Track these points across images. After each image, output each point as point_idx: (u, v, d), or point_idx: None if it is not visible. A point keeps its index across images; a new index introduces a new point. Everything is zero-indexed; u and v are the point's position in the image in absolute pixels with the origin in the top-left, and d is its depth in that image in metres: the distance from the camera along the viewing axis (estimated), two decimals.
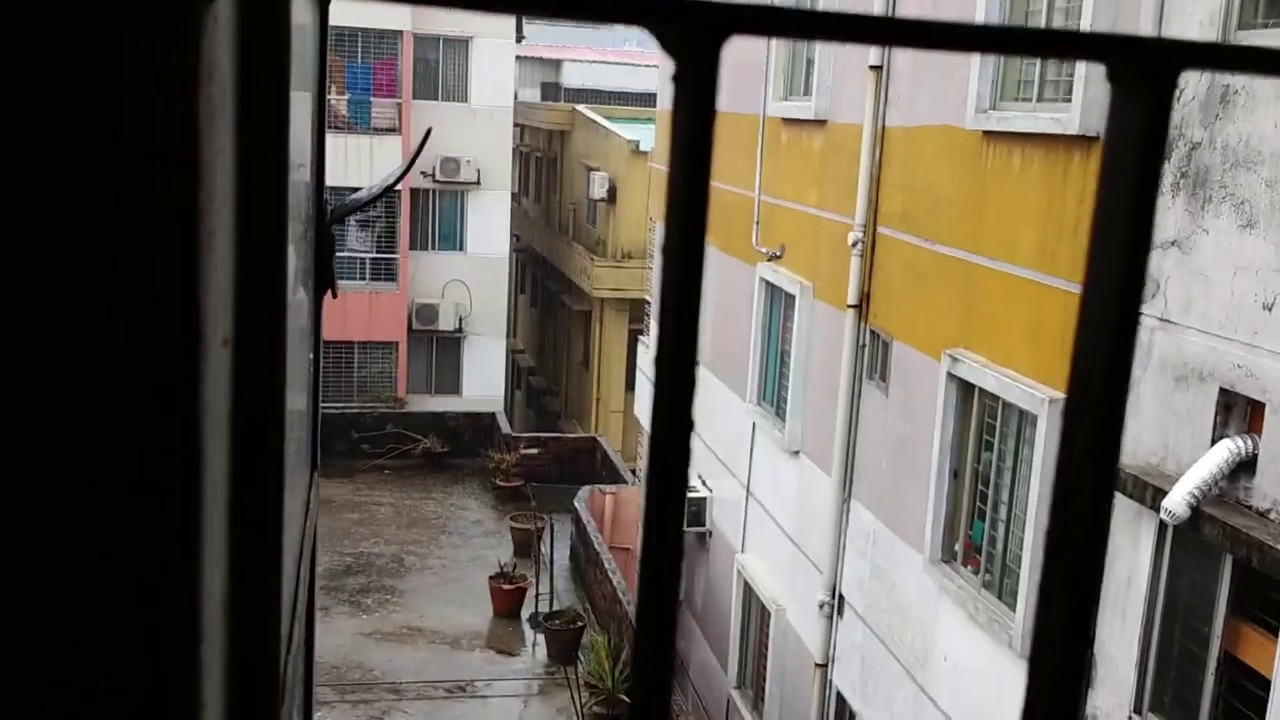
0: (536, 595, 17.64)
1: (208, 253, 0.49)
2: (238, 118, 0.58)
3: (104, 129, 0.43)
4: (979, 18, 8.60)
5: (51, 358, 0.45)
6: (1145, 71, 0.53)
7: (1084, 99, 7.37)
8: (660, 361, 0.53)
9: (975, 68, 8.64)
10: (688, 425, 0.51)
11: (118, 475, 0.46)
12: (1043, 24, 8.12)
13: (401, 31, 25.63)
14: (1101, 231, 0.56)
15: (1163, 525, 6.51)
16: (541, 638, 16.88)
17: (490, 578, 17.97)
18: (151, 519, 0.46)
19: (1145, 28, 6.84)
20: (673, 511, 0.48)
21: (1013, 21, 8.47)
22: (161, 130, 0.42)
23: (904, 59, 10.00)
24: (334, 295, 1.80)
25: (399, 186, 25.49)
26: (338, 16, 27.21)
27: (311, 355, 1.68)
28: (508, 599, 17.73)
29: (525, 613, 17.76)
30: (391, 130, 25.65)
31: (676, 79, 0.50)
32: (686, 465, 0.50)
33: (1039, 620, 0.52)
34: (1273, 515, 5.89)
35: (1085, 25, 7.39)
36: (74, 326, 0.45)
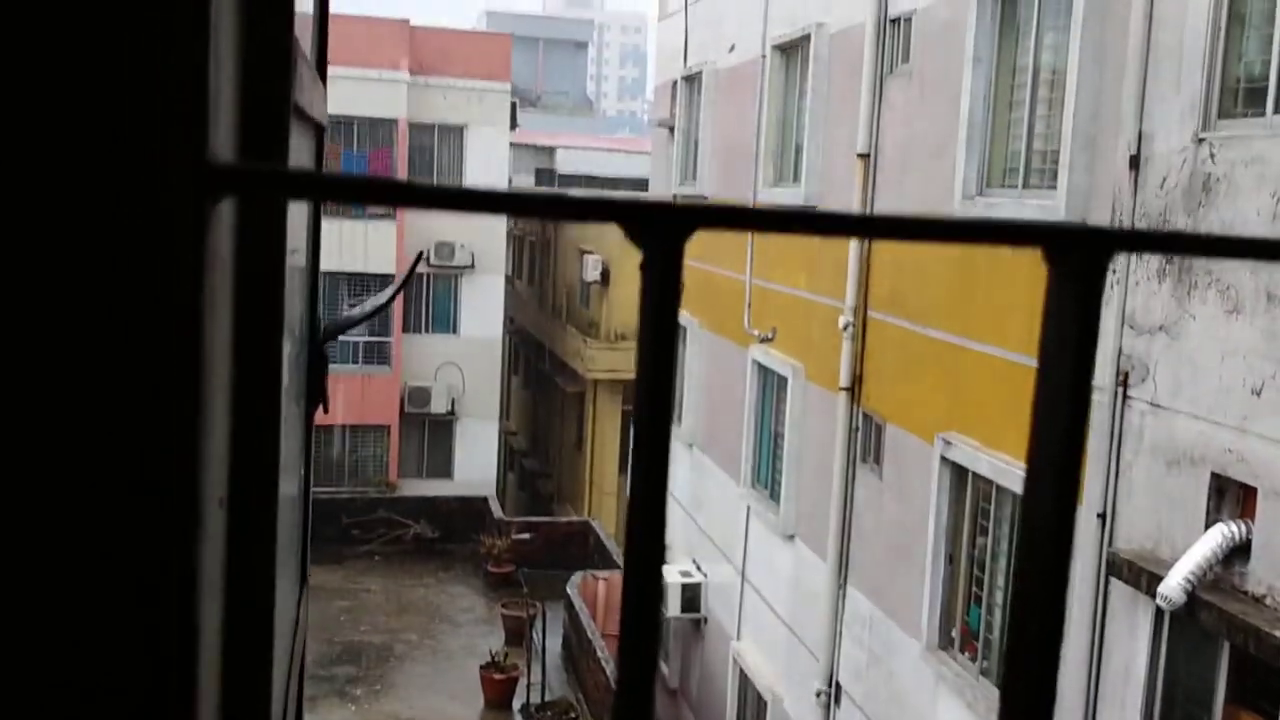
0: (528, 685, 17.38)
1: (204, 425, 0.52)
2: (235, 299, 0.62)
3: (109, 324, 0.46)
4: (963, 119, 8.76)
5: (50, 530, 0.48)
6: (1078, 256, 0.57)
7: (1069, 186, 7.50)
8: (630, 546, 0.56)
9: (961, 154, 8.79)
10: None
11: (111, 651, 0.48)
12: (1025, 116, 8.28)
13: (397, 120, 26.01)
14: (1042, 405, 0.60)
15: (1159, 612, 6.48)
16: None
17: (481, 667, 17.72)
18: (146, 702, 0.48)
19: (1127, 119, 6.98)
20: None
21: (997, 113, 8.64)
22: (165, 321, 0.46)
23: (892, 146, 10.18)
24: (325, 411, 1.84)
25: (393, 272, 25.64)
26: (334, 105, 27.51)
27: (302, 471, 1.70)
28: (499, 689, 17.47)
29: (517, 703, 17.48)
30: (386, 216, 25.89)
31: (643, 267, 0.54)
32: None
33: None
34: (1268, 601, 5.88)
35: (1068, 116, 7.54)
36: (79, 497, 0.48)
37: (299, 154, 1.34)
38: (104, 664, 0.48)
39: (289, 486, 1.36)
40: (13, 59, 0.44)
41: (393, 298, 2.96)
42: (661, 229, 0.54)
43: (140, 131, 0.43)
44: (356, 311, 3.10)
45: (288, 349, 1.41)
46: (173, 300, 0.45)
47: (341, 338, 26.15)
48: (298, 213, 1.51)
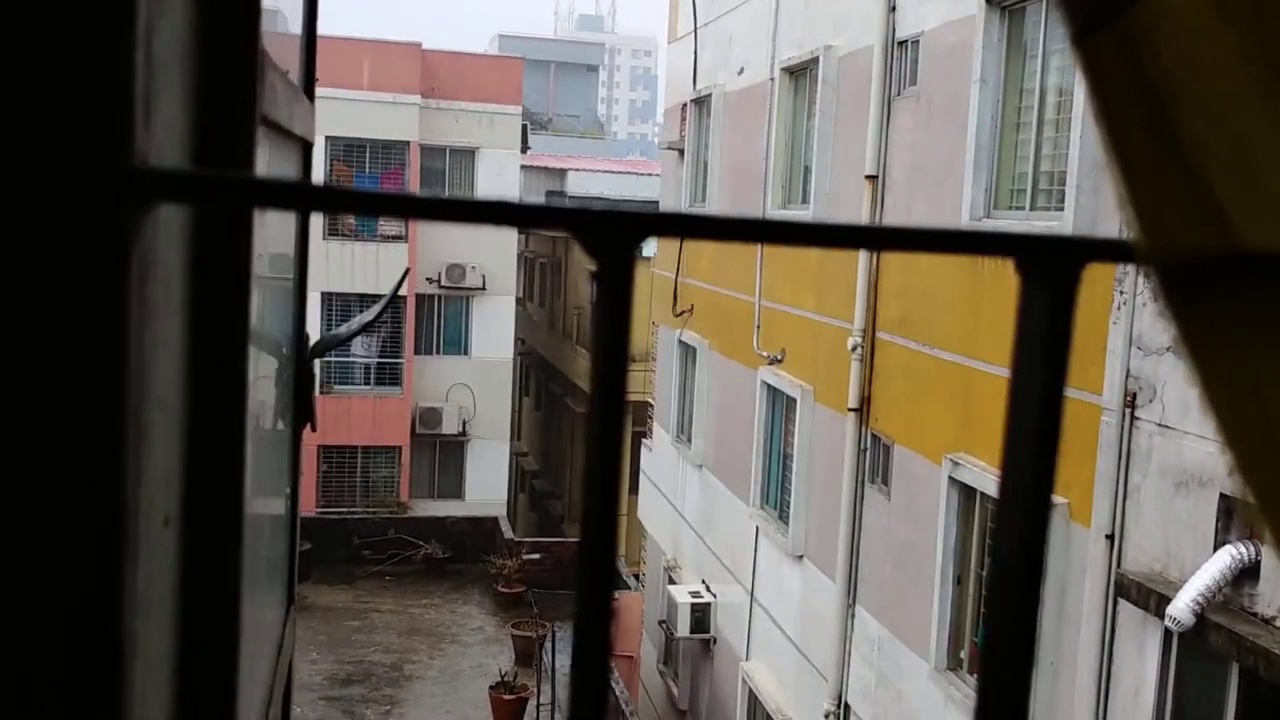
0: (538, 705, 17.31)
1: (142, 442, 0.50)
2: (191, 308, 0.61)
3: (21, 332, 0.44)
4: (970, 140, 8.76)
5: None
6: (1050, 267, 0.55)
7: (1076, 207, 7.48)
8: (584, 543, 0.55)
9: (969, 175, 8.78)
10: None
11: (39, 668, 0.46)
12: (1032, 138, 8.27)
13: (409, 142, 26.12)
14: (1015, 417, 0.58)
15: (1168, 633, 6.42)
16: None
17: (491, 687, 17.66)
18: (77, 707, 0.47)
19: None
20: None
21: (1005, 135, 8.63)
22: (83, 330, 0.44)
23: (900, 167, 10.18)
24: (313, 429, 1.82)
25: (405, 294, 25.72)
26: (347, 127, 27.63)
27: (289, 490, 1.69)
28: (509, 709, 17.40)
29: None
30: (398, 238, 25.98)
31: (595, 277, 0.53)
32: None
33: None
34: (1278, 622, 5.82)
35: (1075, 138, 7.53)
36: None
37: (279, 168, 1.33)
38: (21, 683, 0.46)
39: (269, 506, 1.35)
40: None
41: (380, 315, 2.97)
42: (612, 236, 0.54)
43: (52, 132, 0.42)
44: (344, 329, 3.11)
45: (273, 365, 1.40)
46: (90, 308, 0.44)
47: (352, 358, 26.23)
48: (282, 228, 1.50)
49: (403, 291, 25.67)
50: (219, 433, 0.70)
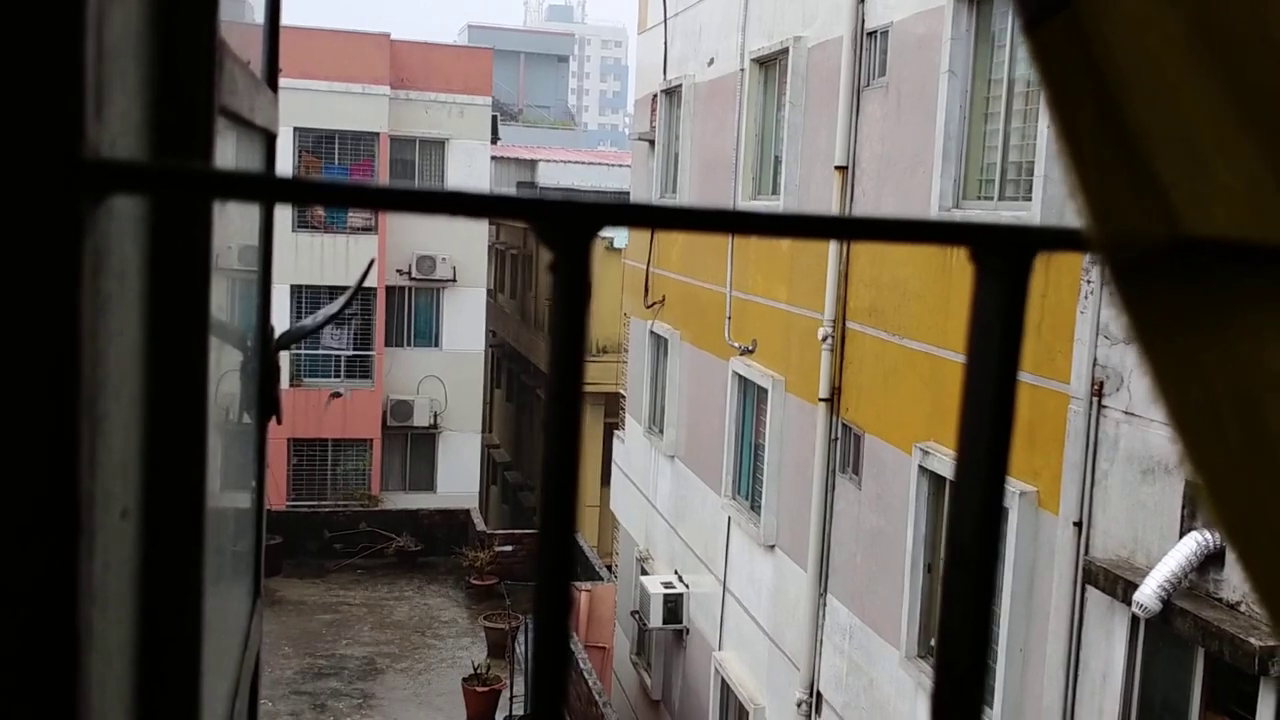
0: (511, 697, 17.31)
1: (96, 434, 0.50)
2: (150, 300, 0.60)
3: None
4: (939, 131, 8.80)
5: None
6: (1004, 255, 0.56)
7: (1044, 197, 7.53)
8: (543, 531, 0.55)
9: (938, 166, 8.82)
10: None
11: None
12: (1001, 128, 8.32)
13: (379, 133, 25.98)
14: (969, 404, 0.59)
15: (1135, 619, 6.50)
16: None
17: (464, 680, 17.64)
18: (27, 691, 0.47)
19: None
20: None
21: (973, 125, 8.68)
22: (35, 326, 0.44)
23: (869, 158, 10.21)
24: (278, 422, 1.81)
25: (375, 285, 25.61)
26: (315, 118, 27.44)
27: (255, 483, 1.68)
28: (482, 702, 17.39)
29: (500, 716, 17.41)
30: (367, 230, 25.85)
31: (552, 268, 0.54)
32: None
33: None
34: (1243, 608, 5.89)
35: (1043, 128, 7.58)
36: None
37: (243, 159, 1.32)
38: None
39: (233, 498, 1.34)
40: None
41: (345, 306, 2.95)
42: (568, 226, 0.54)
43: None
44: (309, 321, 3.09)
45: (237, 358, 1.39)
46: (41, 300, 0.43)
47: (324, 351, 26.09)
48: (246, 220, 1.49)
49: (372, 283, 25.55)
50: (179, 425, 0.69)
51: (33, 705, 0.46)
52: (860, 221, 0.58)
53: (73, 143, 0.44)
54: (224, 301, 1.21)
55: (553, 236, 0.53)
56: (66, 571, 0.45)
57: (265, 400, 1.67)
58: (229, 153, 1.12)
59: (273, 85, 1.68)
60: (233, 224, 1.21)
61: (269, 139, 1.64)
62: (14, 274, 0.42)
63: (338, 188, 0.50)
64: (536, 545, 0.52)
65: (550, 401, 0.52)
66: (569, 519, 0.52)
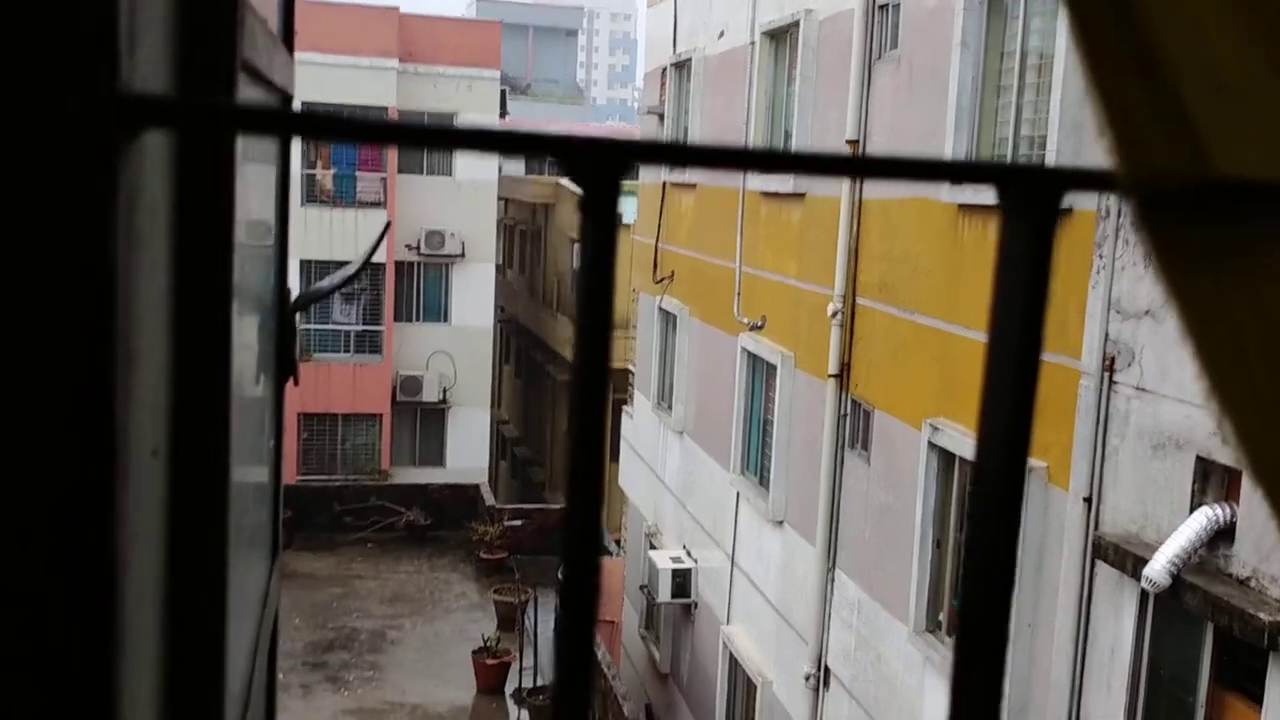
0: (520, 670, 17.42)
1: (129, 370, 0.51)
2: (177, 236, 0.61)
3: (8, 255, 0.44)
4: (951, 104, 8.75)
5: None
6: (1032, 195, 0.56)
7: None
8: (571, 471, 0.56)
9: (950, 138, 8.78)
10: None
11: (21, 593, 0.47)
12: (1013, 101, 8.27)
13: (387, 108, 25.93)
14: (995, 353, 0.59)
15: (1144, 594, 6.51)
16: (525, 713, 16.63)
17: (474, 652, 17.75)
18: (60, 634, 0.47)
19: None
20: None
21: (985, 98, 8.63)
22: (72, 252, 0.44)
23: (880, 131, 10.17)
24: (295, 383, 1.82)
25: (384, 261, 25.62)
26: (324, 93, 27.38)
27: (273, 441, 1.69)
28: (491, 674, 17.50)
29: (509, 688, 17.52)
30: (377, 204, 25.84)
31: (582, 206, 0.54)
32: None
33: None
34: (1252, 583, 5.90)
35: (1056, 101, 7.53)
36: None
37: None
38: (15, 596, 0.47)
39: (253, 454, 1.35)
40: None
41: (361, 268, 2.96)
42: (598, 163, 0.54)
43: (38, 59, 0.42)
44: (326, 283, 3.10)
45: (255, 317, 1.40)
46: (79, 230, 0.44)
47: (333, 326, 26.13)
48: (263, 182, 1.50)
49: (381, 258, 25.56)
50: (205, 365, 0.70)
51: (72, 621, 0.47)
52: (885, 161, 0.58)
53: (110, 78, 0.44)
54: (242, 262, 1.21)
55: (583, 174, 0.53)
56: (105, 497, 0.45)
57: (283, 360, 1.68)
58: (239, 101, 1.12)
59: (289, 47, 1.68)
60: (249, 192, 1.21)
61: (285, 100, 1.64)
62: (55, 207, 0.43)
63: (364, 125, 0.50)
64: (565, 484, 0.52)
65: (579, 336, 0.52)
66: (597, 449, 0.52)
